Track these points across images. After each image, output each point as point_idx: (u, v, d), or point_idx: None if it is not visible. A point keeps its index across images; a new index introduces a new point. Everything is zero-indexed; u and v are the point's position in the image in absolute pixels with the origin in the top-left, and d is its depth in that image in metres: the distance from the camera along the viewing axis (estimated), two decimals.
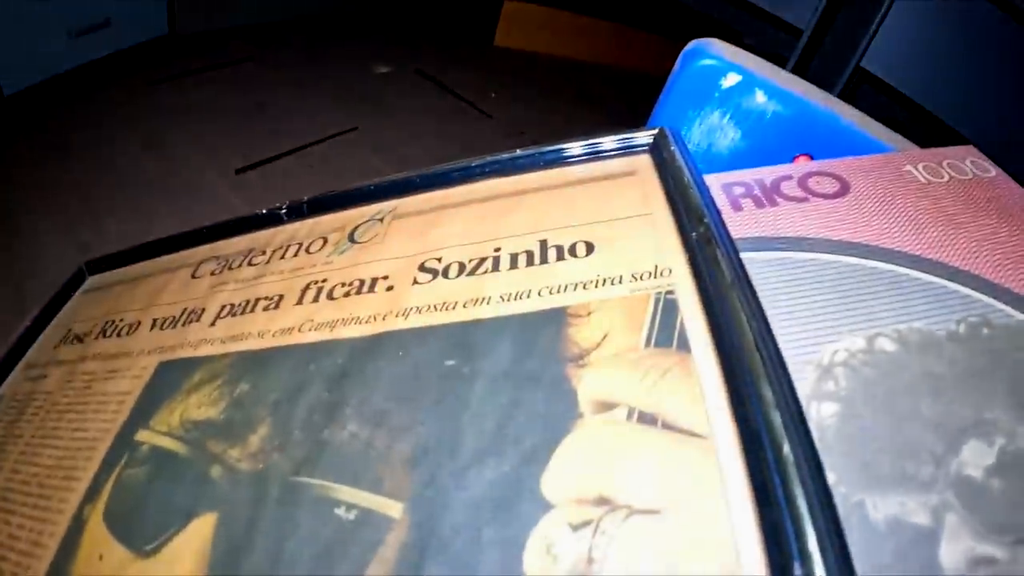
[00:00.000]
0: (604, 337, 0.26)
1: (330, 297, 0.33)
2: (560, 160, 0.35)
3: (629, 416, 0.23)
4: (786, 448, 0.20)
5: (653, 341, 0.25)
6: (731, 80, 0.42)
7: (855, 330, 0.27)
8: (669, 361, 0.24)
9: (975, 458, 0.23)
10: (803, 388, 0.24)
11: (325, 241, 0.37)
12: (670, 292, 0.26)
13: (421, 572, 0.22)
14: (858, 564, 0.19)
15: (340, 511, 0.25)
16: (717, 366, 0.23)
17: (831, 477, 0.22)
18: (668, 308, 0.26)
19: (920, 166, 0.37)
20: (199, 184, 1.30)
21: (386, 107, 1.71)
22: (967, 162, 0.38)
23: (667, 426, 0.23)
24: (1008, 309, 0.28)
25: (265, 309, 0.35)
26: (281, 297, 0.35)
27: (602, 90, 2.07)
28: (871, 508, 0.22)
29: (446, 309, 0.29)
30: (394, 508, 0.24)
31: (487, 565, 0.22)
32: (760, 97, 0.41)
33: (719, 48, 0.43)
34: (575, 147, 0.35)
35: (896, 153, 0.39)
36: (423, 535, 0.23)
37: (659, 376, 0.24)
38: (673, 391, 0.23)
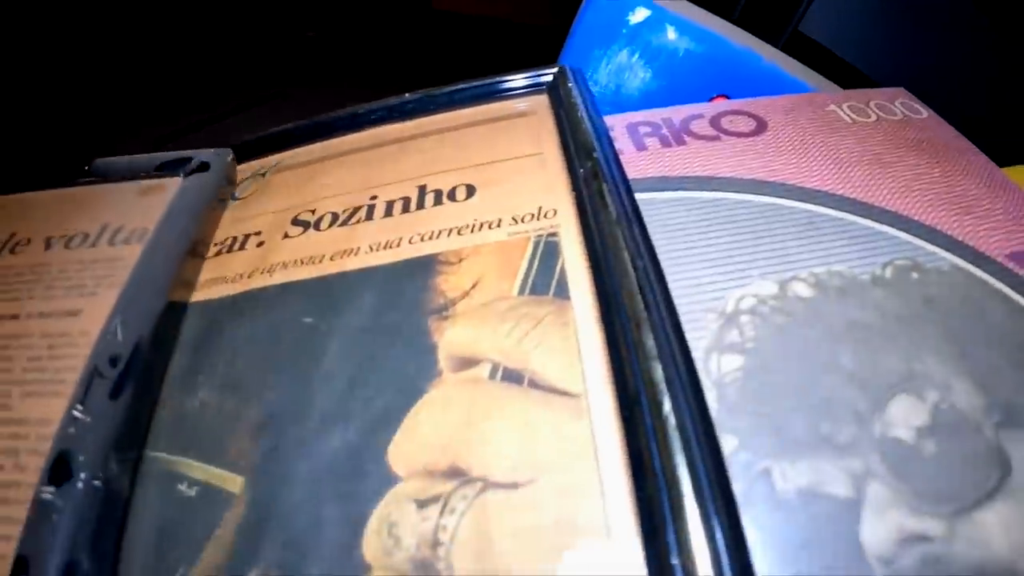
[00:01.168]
0: (474, 285, 0.21)
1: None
2: (452, 103, 0.31)
3: (493, 373, 0.19)
4: (667, 406, 0.16)
5: (528, 288, 0.21)
6: (639, 16, 0.37)
7: (766, 274, 0.23)
8: (544, 310, 0.20)
9: (904, 416, 0.19)
10: (702, 339, 0.20)
11: None
12: (552, 234, 0.22)
13: (256, 557, 0.18)
14: (762, 543, 0.16)
15: (183, 487, 0.21)
16: (596, 313, 0.19)
17: (732, 442, 0.18)
18: (549, 251, 0.22)
19: (845, 106, 0.34)
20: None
21: (313, 73, 1.61)
22: (897, 103, 0.35)
23: (535, 384, 0.19)
24: (941, 252, 0.25)
25: None
26: None
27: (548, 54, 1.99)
28: (779, 477, 0.18)
29: (313, 263, 0.25)
30: (235, 483, 0.20)
31: (325, 549, 0.18)
32: (671, 34, 0.37)
33: None
34: (468, 88, 0.31)
35: (820, 93, 0.36)
36: (261, 513, 0.19)
37: (531, 327, 0.20)
38: (545, 344, 0.19)
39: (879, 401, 0.19)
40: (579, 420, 0.17)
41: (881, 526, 0.17)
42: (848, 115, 0.33)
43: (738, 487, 0.17)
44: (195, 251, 0.27)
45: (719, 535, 0.14)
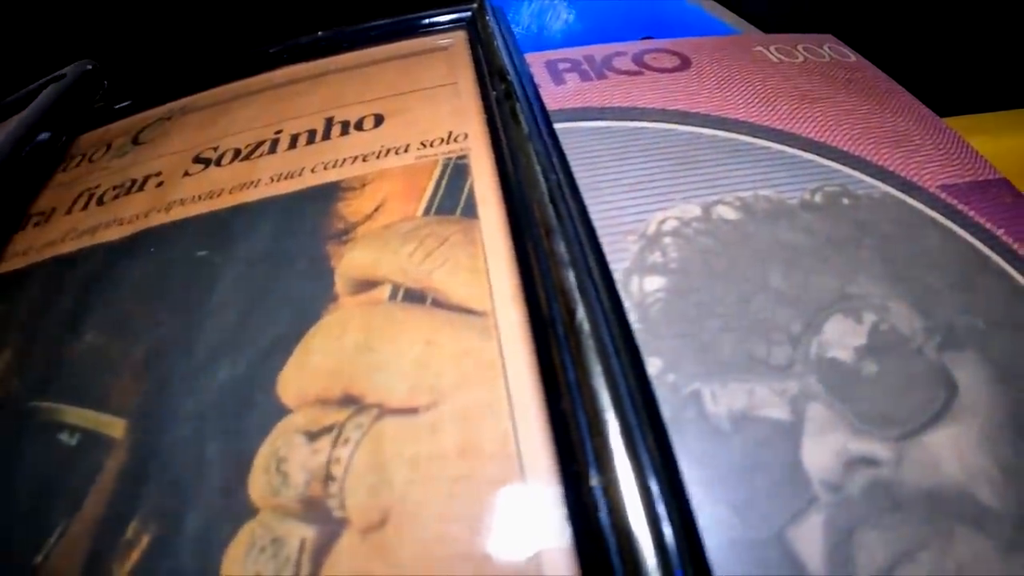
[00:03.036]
0: (377, 208, 0.19)
1: (99, 202, 0.25)
2: (368, 40, 0.28)
3: (393, 294, 0.16)
4: (580, 314, 0.14)
5: (435, 209, 0.18)
6: None
7: (689, 198, 0.21)
8: (450, 229, 0.17)
9: (842, 337, 0.17)
10: (623, 261, 0.18)
11: (108, 147, 0.29)
12: (462, 157, 0.20)
13: (136, 504, 0.15)
14: (694, 468, 0.14)
15: (64, 436, 0.18)
16: (505, 230, 0.17)
17: (656, 363, 0.16)
18: (457, 173, 0.19)
19: (772, 47, 0.32)
20: None
21: None
22: (825, 47, 0.33)
23: (438, 304, 0.16)
24: (869, 179, 0.23)
25: (36, 225, 0.27)
26: (53, 210, 0.27)
27: None
28: (709, 400, 0.16)
29: (211, 197, 0.22)
30: (117, 427, 0.17)
31: (207, 491, 0.15)
32: None
33: None
34: (384, 25, 0.28)
35: (745, 35, 0.34)
36: (142, 456, 0.16)
37: (436, 246, 0.17)
38: (450, 262, 0.17)
39: (813, 321, 0.18)
40: (485, 338, 0.15)
41: (824, 449, 0.15)
42: (775, 56, 0.31)
43: (665, 410, 0.14)
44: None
45: (643, 452, 0.12)
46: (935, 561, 0.14)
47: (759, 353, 0.17)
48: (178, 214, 0.22)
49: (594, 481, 0.12)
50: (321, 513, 0.13)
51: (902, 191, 0.23)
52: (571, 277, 0.14)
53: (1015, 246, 0.21)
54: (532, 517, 0.12)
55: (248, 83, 0.28)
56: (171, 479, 0.15)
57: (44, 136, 0.27)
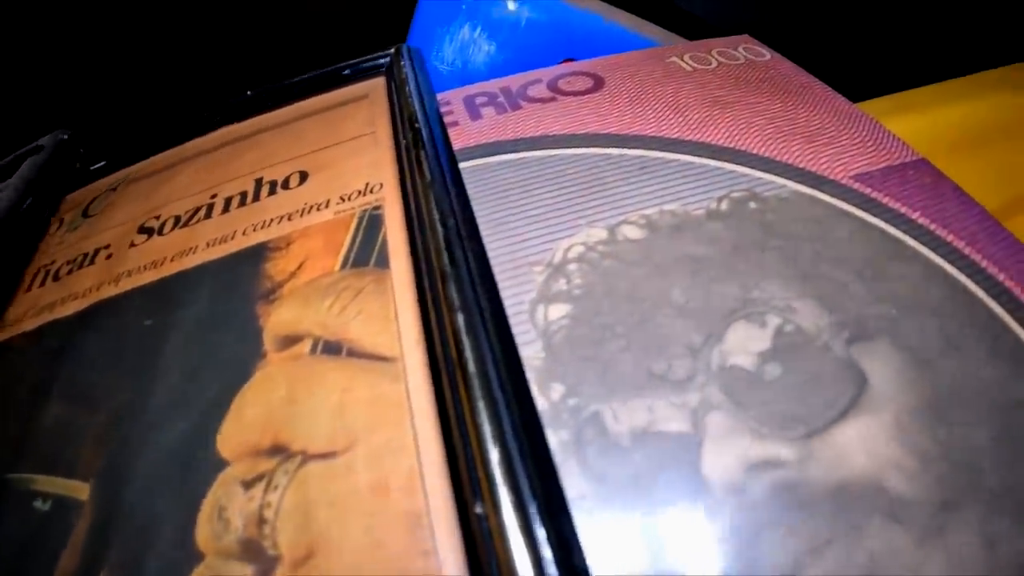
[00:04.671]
0: (300, 266, 0.21)
1: (55, 278, 0.28)
2: (293, 95, 0.30)
3: (314, 348, 0.19)
4: (467, 354, 0.16)
5: (351, 262, 0.20)
6: None
7: (594, 222, 0.22)
8: (364, 281, 0.20)
9: (744, 344, 0.18)
10: (529, 292, 0.19)
11: (61, 223, 0.31)
12: (376, 208, 0.22)
13: (103, 560, 0.17)
14: (594, 484, 0.15)
15: (38, 503, 0.20)
16: (411, 277, 0.19)
17: (559, 389, 0.17)
18: (372, 224, 0.21)
19: (687, 56, 0.33)
20: None
21: None
22: (740, 48, 0.35)
23: (353, 353, 0.18)
24: (779, 180, 0.24)
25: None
26: (16, 288, 0.29)
27: None
28: (611, 419, 0.16)
29: (155, 266, 0.24)
30: (83, 490, 0.19)
31: (162, 541, 0.17)
32: (511, 5, 0.36)
33: None
34: (307, 79, 0.30)
35: (661, 47, 0.35)
36: (107, 516, 0.18)
37: (351, 298, 0.19)
38: (364, 313, 0.19)
39: (715, 331, 0.18)
40: (395, 383, 0.17)
41: (724, 456, 0.16)
42: (689, 64, 0.32)
43: (566, 433, 0.16)
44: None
45: (523, 479, 0.14)
46: (844, 555, 0.14)
47: (659, 369, 0.17)
48: (126, 285, 0.24)
49: (478, 509, 0.14)
50: (257, 553, 0.16)
51: (813, 187, 0.23)
52: (460, 320, 0.16)
53: (932, 226, 0.22)
54: (434, 545, 0.14)
55: (183, 149, 0.30)
56: (131, 533, 0.18)
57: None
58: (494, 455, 0.14)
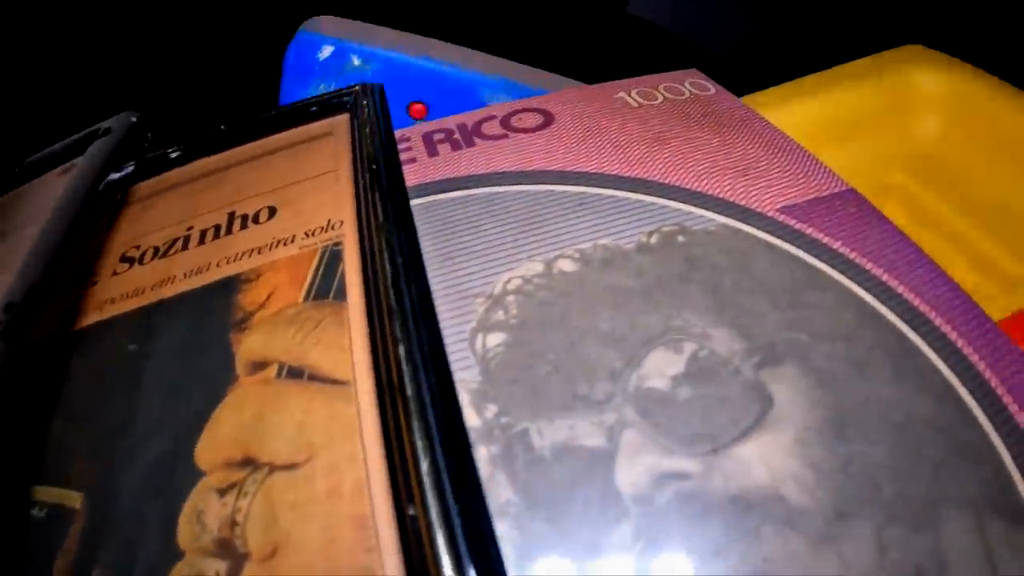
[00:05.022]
0: (268, 297, 0.24)
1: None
2: (264, 129, 0.33)
3: (279, 373, 0.21)
4: (405, 380, 0.19)
5: (313, 294, 0.23)
6: (326, 52, 0.41)
7: (534, 256, 0.24)
8: (324, 312, 0.22)
9: (660, 368, 0.20)
10: (470, 322, 0.22)
11: None
12: (337, 243, 0.25)
13: (95, 560, 0.20)
14: (518, 495, 0.18)
15: (36, 511, 0.23)
16: (363, 310, 0.22)
17: (493, 409, 0.19)
18: (333, 260, 0.24)
19: (634, 92, 0.35)
20: None
21: None
22: (686, 83, 0.37)
23: (313, 377, 0.21)
24: (708, 214, 0.26)
25: None
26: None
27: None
28: (536, 436, 0.19)
29: (137, 295, 0.27)
30: (76, 499, 0.22)
31: (150, 543, 0.20)
32: (356, 61, 0.41)
33: (320, 23, 0.43)
34: (277, 115, 0.33)
35: (612, 82, 0.38)
36: (98, 522, 0.21)
37: (312, 328, 0.22)
38: (323, 341, 0.22)
39: (635, 357, 0.20)
40: (348, 404, 0.20)
41: (635, 470, 0.18)
42: (635, 100, 0.34)
43: (497, 447, 0.18)
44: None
45: (447, 485, 0.17)
46: (741, 558, 0.16)
47: (581, 391, 0.19)
48: (111, 312, 0.27)
49: (411, 512, 0.17)
50: (230, 550, 0.18)
51: (740, 220, 0.25)
52: (402, 351, 0.19)
53: (852, 255, 0.24)
54: (377, 543, 0.17)
55: (161, 179, 0.33)
56: (121, 538, 0.21)
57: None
58: (424, 466, 0.17)
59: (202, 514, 0.19)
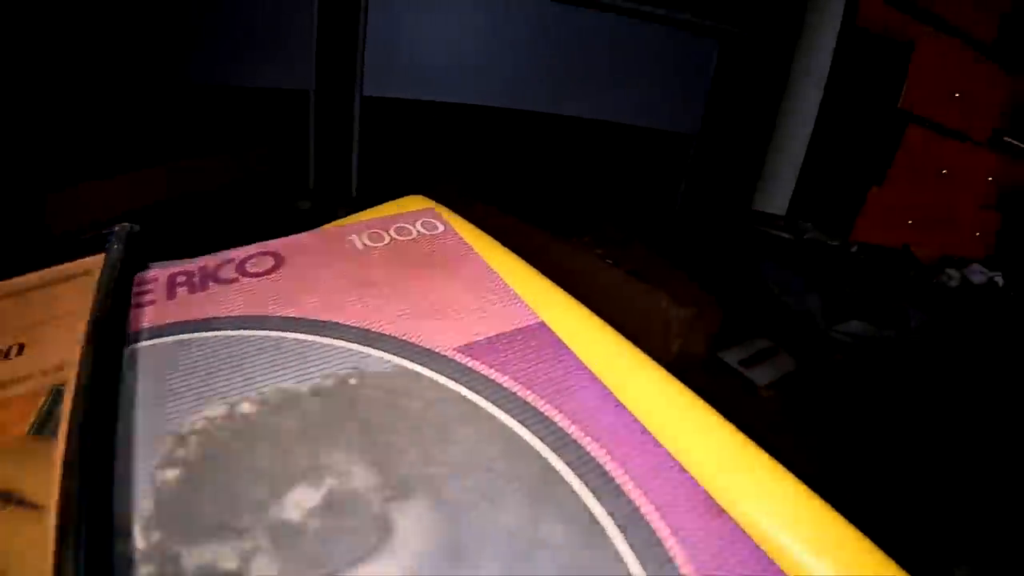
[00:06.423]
0: (2, 430, 0.31)
1: None
2: (34, 264, 0.39)
3: (5, 502, 0.26)
4: (72, 515, 0.23)
5: (36, 429, 0.30)
6: None
7: (224, 398, 0.27)
8: (42, 445, 0.30)
9: (299, 502, 0.23)
10: (155, 458, 0.25)
11: None
12: (62, 384, 0.32)
13: None
14: None
15: None
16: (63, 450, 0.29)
17: (157, 535, 0.22)
18: (57, 399, 0.31)
19: (365, 235, 0.39)
20: None
21: None
22: (418, 224, 0.41)
23: (21, 503, 0.27)
24: (387, 356, 0.29)
25: None
26: None
27: None
28: (186, 559, 0.21)
29: None
30: None
31: None
32: None
33: None
34: (45, 249, 0.39)
35: (349, 225, 0.41)
36: None
37: (29, 459, 0.30)
38: (32, 472, 0.29)
39: (279, 492, 0.23)
40: (45, 529, 0.27)
41: None
42: (363, 242, 0.39)
43: (151, 568, 0.21)
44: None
45: None
46: None
47: (227, 520, 0.22)
48: None
49: None
50: None
51: (416, 361, 0.29)
52: (75, 488, 0.24)
53: (516, 388, 0.27)
54: None
55: None
56: None
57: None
58: None
59: None
